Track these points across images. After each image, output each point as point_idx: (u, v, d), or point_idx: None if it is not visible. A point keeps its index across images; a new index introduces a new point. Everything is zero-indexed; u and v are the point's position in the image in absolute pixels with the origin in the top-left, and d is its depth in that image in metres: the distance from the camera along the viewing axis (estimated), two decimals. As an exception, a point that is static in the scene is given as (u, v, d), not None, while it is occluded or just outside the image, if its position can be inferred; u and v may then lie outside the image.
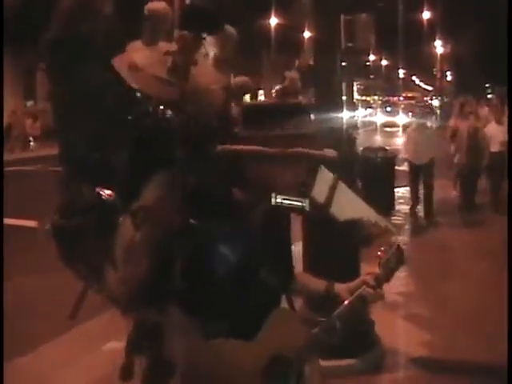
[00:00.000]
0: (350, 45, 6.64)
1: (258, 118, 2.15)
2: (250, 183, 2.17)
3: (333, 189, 3.26)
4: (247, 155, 2.12)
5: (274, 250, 2.28)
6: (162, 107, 2.19)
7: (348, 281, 2.40)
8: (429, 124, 13.05)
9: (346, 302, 2.25)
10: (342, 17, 6.27)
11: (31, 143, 31.02)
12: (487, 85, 52.26)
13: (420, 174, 11.65)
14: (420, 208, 11.77)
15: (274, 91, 2.40)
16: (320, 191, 2.76)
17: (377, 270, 2.33)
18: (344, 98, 6.51)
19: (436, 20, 52.94)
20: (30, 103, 33.53)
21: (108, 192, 2.13)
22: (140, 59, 2.22)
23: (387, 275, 2.33)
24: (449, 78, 72.59)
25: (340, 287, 2.36)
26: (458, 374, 5.15)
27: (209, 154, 2.15)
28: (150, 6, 2.26)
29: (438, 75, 65.05)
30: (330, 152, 2.27)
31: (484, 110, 17.11)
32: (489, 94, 42.45)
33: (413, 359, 5.29)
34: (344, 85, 6.57)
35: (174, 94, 2.17)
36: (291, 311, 2.36)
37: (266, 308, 2.18)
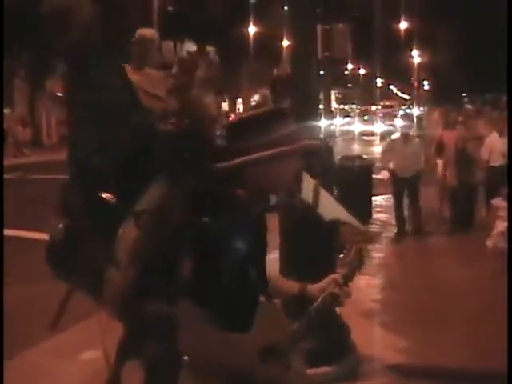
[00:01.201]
0: (327, 54, 6.71)
1: (245, 130, 2.32)
2: (248, 185, 2.32)
3: (316, 192, 3.58)
4: (243, 163, 2.27)
5: (261, 249, 2.46)
6: (162, 117, 2.39)
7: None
8: (414, 134, 12.32)
9: (319, 300, 2.40)
10: (319, 26, 6.33)
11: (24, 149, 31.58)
12: (464, 94, 52.73)
13: (404, 188, 11.02)
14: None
15: (250, 106, 2.62)
16: (307, 193, 3.03)
17: (342, 269, 2.54)
18: (322, 106, 6.56)
19: (413, 30, 53.34)
20: (7, 111, 33.30)
21: (110, 195, 2.22)
22: (135, 80, 2.37)
23: (352, 274, 2.50)
24: (426, 87, 73.18)
25: (312, 287, 2.52)
26: (434, 380, 5.19)
27: (206, 163, 2.28)
28: (140, 32, 2.44)
29: (415, 84, 65.51)
30: (312, 142, 2.47)
31: (477, 121, 15.95)
32: (466, 103, 42.77)
33: (389, 366, 5.33)
34: (322, 94, 6.63)
35: (173, 108, 2.41)
36: (276, 304, 2.49)
37: (255, 301, 2.32)
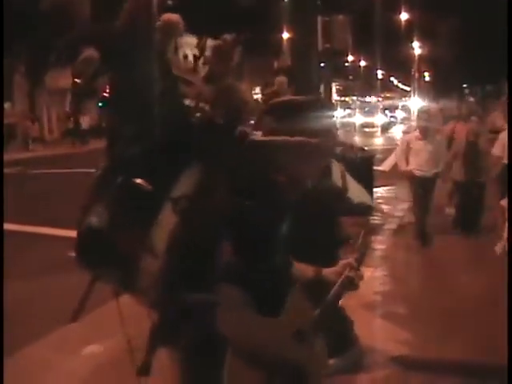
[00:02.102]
0: (328, 46, 6.69)
1: (284, 112, 2.37)
2: (282, 170, 2.36)
3: (344, 177, 3.77)
4: (276, 145, 2.31)
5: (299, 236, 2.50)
6: (198, 104, 2.39)
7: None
8: (432, 131, 10.20)
9: (338, 283, 2.48)
10: (320, 18, 6.31)
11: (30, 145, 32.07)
12: (464, 85, 52.67)
13: (424, 188, 9.63)
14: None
15: (261, 95, 2.67)
16: (337, 179, 3.17)
17: (354, 254, 2.62)
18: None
19: (414, 21, 53.25)
20: (7, 105, 33.32)
21: (146, 182, 2.19)
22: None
23: (362, 258, 2.61)
24: (427, 78, 73.10)
25: (327, 271, 2.60)
26: (436, 372, 5.18)
27: (240, 145, 2.32)
28: (164, 16, 2.42)
29: (416, 76, 65.43)
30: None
31: (492, 113, 14.21)
32: (467, 94, 42.75)
33: (392, 358, 5.32)
34: (322, 86, 6.61)
35: (206, 96, 2.39)
36: (302, 291, 2.49)
37: (287, 287, 2.37)
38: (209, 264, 2.17)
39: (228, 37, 2.47)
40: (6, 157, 22.53)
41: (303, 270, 2.62)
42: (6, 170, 17.34)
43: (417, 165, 9.51)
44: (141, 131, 2.28)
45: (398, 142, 11.30)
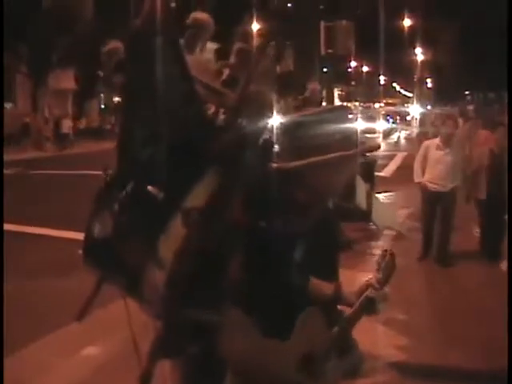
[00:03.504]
0: (331, 51, 6.70)
1: (308, 128, 2.20)
2: (306, 187, 2.21)
3: (369, 197, 3.50)
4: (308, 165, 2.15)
5: (317, 256, 2.36)
6: (216, 110, 2.27)
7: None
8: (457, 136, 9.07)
9: (356, 304, 2.33)
10: (322, 23, 6.33)
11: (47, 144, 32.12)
12: (466, 92, 52.67)
13: (437, 205, 8.42)
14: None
15: (294, 101, 2.53)
16: (361, 199, 2.94)
17: (376, 274, 2.41)
18: (324, 104, 6.55)
19: (416, 27, 53.30)
20: (9, 105, 33.36)
21: (157, 189, 2.10)
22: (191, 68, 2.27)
23: (386, 278, 2.40)
24: (429, 84, 73.07)
25: (347, 292, 2.42)
26: (435, 378, 5.18)
27: (263, 161, 2.19)
28: (194, 15, 2.34)
29: (418, 82, 65.44)
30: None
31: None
32: (468, 101, 42.73)
33: (390, 364, 5.32)
34: (325, 91, 6.62)
35: (227, 101, 2.26)
36: (317, 311, 2.35)
37: (298, 308, 2.25)
38: (216, 281, 2.07)
39: (258, 41, 2.34)
40: (23, 156, 22.70)
41: (321, 287, 2.44)
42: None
43: (431, 178, 8.37)
44: (155, 135, 2.16)
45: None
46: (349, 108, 2.41)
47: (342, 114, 2.30)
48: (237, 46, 2.27)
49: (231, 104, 2.24)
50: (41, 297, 6.91)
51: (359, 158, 2.35)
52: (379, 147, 2.46)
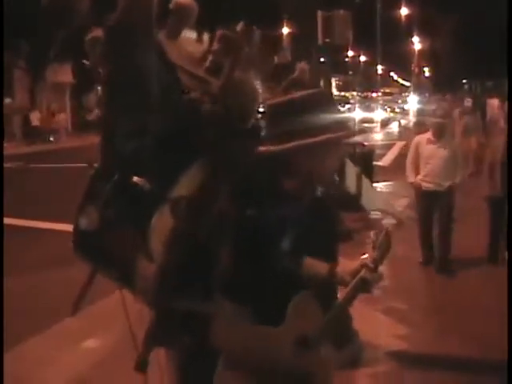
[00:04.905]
0: (328, 40, 6.66)
1: (291, 112, 2.16)
2: (294, 174, 2.18)
3: (359, 181, 3.46)
4: (293, 149, 2.12)
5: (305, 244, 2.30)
6: (200, 98, 2.20)
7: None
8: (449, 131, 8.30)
9: (349, 286, 2.27)
10: (320, 13, 6.29)
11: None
12: (464, 80, 52.59)
13: (434, 205, 7.66)
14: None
15: (283, 82, 2.45)
16: (350, 183, 2.90)
17: (371, 253, 2.33)
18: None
19: (414, 16, 53.20)
20: (8, 100, 33.22)
21: (143, 180, 2.08)
22: (169, 52, 2.22)
23: (382, 258, 2.33)
24: (427, 73, 72.97)
25: (342, 271, 2.34)
26: (435, 368, 5.18)
27: (249, 148, 2.16)
28: (176, 0, 2.27)
29: (416, 71, 65.35)
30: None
31: None
32: (466, 90, 42.68)
33: (390, 353, 5.32)
34: (322, 81, 6.59)
35: (211, 89, 2.19)
36: (310, 295, 2.32)
37: (290, 294, 2.21)
38: (206, 271, 2.05)
39: (240, 26, 2.27)
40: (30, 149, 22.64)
41: (316, 267, 2.40)
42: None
43: (425, 176, 7.66)
44: (140, 125, 2.13)
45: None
46: (330, 93, 2.33)
47: (323, 98, 2.24)
48: (220, 32, 2.19)
49: (215, 91, 2.19)
50: (41, 291, 6.91)
51: (345, 142, 2.31)
52: (354, 135, 2.41)
